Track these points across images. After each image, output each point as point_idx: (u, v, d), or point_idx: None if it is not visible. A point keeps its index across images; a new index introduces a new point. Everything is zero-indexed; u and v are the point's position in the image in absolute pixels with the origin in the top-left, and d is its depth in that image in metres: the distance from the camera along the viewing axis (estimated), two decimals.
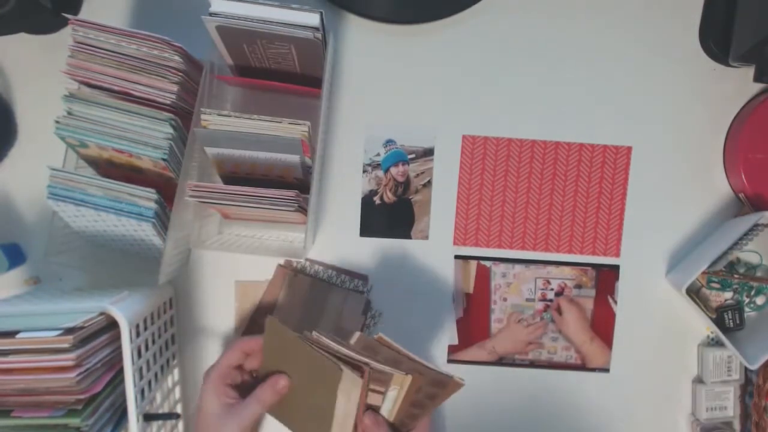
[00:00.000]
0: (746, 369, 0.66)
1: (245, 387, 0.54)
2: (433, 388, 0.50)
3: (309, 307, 0.65)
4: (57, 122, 0.54)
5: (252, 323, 0.66)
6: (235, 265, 0.66)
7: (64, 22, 0.64)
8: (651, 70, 0.67)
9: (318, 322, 0.65)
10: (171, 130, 0.55)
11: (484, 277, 0.67)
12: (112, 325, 0.51)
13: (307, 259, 0.66)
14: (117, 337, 0.51)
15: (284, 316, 0.65)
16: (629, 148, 0.67)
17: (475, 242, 0.67)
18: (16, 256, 0.64)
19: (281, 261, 0.66)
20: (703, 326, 0.68)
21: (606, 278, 0.67)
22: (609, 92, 0.67)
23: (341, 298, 0.66)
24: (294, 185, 0.58)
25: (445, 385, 0.49)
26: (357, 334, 0.52)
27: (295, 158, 0.55)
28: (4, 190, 0.65)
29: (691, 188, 0.67)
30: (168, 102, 0.55)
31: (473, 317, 0.67)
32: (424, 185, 0.67)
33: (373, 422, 0.50)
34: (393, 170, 0.67)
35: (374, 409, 0.51)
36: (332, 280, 0.66)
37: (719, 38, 0.65)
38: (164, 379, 0.61)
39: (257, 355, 0.55)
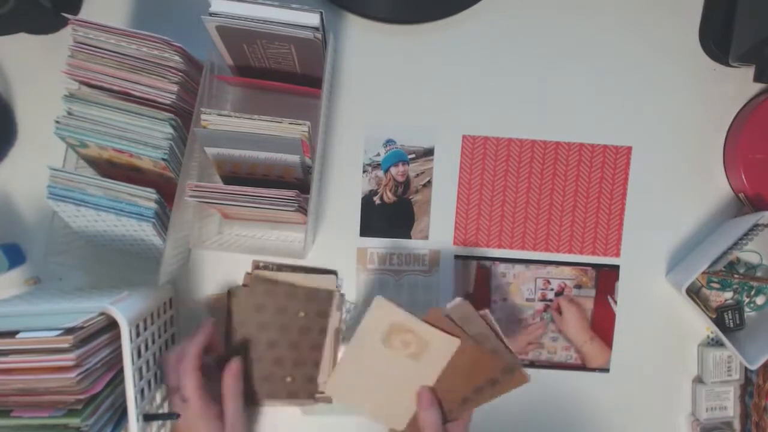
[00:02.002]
0: (746, 369, 0.66)
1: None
2: (499, 374, 0.50)
3: (280, 312, 0.65)
4: (57, 122, 0.54)
5: (227, 334, 0.65)
6: (235, 265, 0.66)
7: (64, 22, 0.64)
8: (651, 70, 0.67)
9: (290, 325, 0.65)
10: (171, 130, 0.55)
11: (484, 277, 0.67)
12: (112, 325, 0.51)
13: (273, 264, 0.66)
14: (117, 337, 0.51)
15: (253, 324, 0.65)
16: (629, 148, 0.67)
17: (475, 242, 0.67)
18: (16, 256, 0.64)
19: (249, 269, 0.66)
20: (703, 326, 0.68)
21: (606, 278, 0.67)
22: (609, 92, 0.67)
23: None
24: (294, 185, 0.58)
25: (512, 373, 0.50)
26: (457, 300, 0.53)
27: (295, 158, 0.55)
28: (4, 190, 0.65)
29: (691, 188, 0.67)
30: (168, 102, 0.55)
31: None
32: (424, 185, 0.67)
33: (428, 400, 0.52)
34: (393, 170, 0.67)
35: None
36: None
37: (719, 38, 0.65)
38: None
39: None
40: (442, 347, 0.53)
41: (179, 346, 0.58)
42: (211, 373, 0.58)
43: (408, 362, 0.53)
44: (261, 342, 0.64)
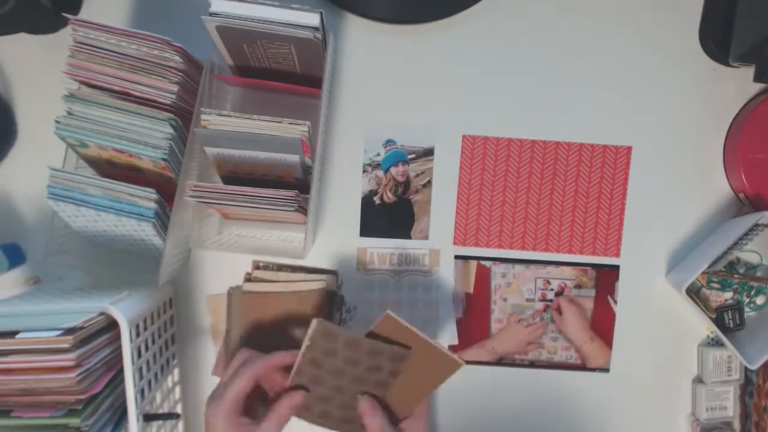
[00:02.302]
0: (746, 369, 0.66)
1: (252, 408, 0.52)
2: (433, 365, 0.50)
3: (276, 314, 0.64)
4: (57, 122, 0.54)
5: (228, 335, 0.65)
6: (235, 265, 0.66)
7: (64, 22, 0.64)
8: (651, 70, 0.67)
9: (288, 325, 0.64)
10: (171, 130, 0.55)
11: (484, 277, 0.67)
12: (112, 325, 0.51)
13: (273, 264, 0.66)
14: (117, 337, 0.51)
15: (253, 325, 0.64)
16: (629, 148, 0.67)
17: (475, 242, 0.67)
18: (16, 256, 0.64)
19: (249, 269, 0.65)
20: (703, 326, 0.68)
21: (606, 278, 0.67)
22: (609, 92, 0.67)
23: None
24: (294, 185, 0.58)
25: (444, 363, 0.50)
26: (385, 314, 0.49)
27: (295, 158, 0.55)
28: (4, 190, 0.65)
29: (691, 188, 0.67)
30: (168, 102, 0.55)
31: (473, 317, 0.67)
32: (424, 185, 0.67)
33: (369, 407, 0.51)
34: (393, 170, 0.67)
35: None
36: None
37: (719, 38, 0.65)
38: (164, 379, 0.61)
39: (267, 378, 0.52)
40: (444, 366, 0.51)
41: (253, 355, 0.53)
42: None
43: (406, 374, 0.52)
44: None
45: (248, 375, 0.50)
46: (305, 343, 0.49)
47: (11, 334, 0.47)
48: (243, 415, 0.50)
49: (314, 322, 0.48)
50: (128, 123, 0.54)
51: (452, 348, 0.67)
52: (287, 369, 0.51)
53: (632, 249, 0.67)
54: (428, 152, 0.67)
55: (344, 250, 0.67)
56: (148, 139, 0.54)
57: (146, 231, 0.56)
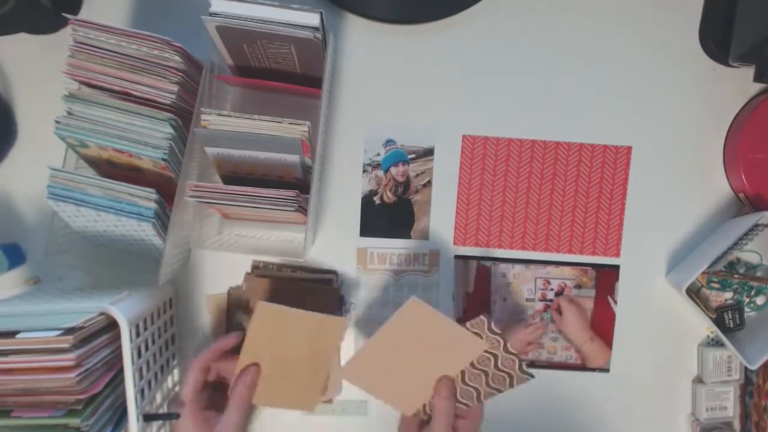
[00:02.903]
0: (746, 369, 0.66)
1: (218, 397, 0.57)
2: (460, 348, 0.54)
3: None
4: (57, 122, 0.54)
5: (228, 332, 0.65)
6: (235, 265, 0.66)
7: (64, 22, 0.64)
8: (651, 70, 0.67)
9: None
10: (171, 130, 0.55)
11: (484, 277, 0.67)
12: (112, 325, 0.51)
13: (273, 264, 0.66)
14: (117, 337, 0.51)
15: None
16: (629, 148, 0.67)
17: (475, 242, 0.67)
18: (16, 256, 0.64)
19: (248, 269, 0.66)
20: (703, 326, 0.68)
21: (606, 278, 0.67)
22: (609, 92, 0.67)
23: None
24: (294, 185, 0.58)
25: (470, 345, 0.54)
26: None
27: (295, 158, 0.55)
28: (4, 190, 0.65)
29: (691, 188, 0.67)
30: (168, 102, 0.55)
31: (473, 317, 0.67)
32: (424, 185, 0.67)
33: (447, 389, 0.54)
34: (393, 170, 0.67)
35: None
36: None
37: (719, 38, 0.65)
38: (164, 379, 0.61)
39: (215, 365, 0.57)
40: (468, 348, 0.55)
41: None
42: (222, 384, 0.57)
43: (430, 358, 0.55)
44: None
45: (196, 366, 0.55)
46: (252, 324, 0.53)
47: (11, 334, 0.47)
48: (208, 409, 0.54)
49: (259, 305, 0.52)
50: (128, 123, 0.54)
51: None
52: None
53: (632, 249, 0.67)
54: (428, 152, 0.67)
55: (344, 250, 0.67)
56: (148, 139, 0.54)
57: (146, 231, 0.56)
